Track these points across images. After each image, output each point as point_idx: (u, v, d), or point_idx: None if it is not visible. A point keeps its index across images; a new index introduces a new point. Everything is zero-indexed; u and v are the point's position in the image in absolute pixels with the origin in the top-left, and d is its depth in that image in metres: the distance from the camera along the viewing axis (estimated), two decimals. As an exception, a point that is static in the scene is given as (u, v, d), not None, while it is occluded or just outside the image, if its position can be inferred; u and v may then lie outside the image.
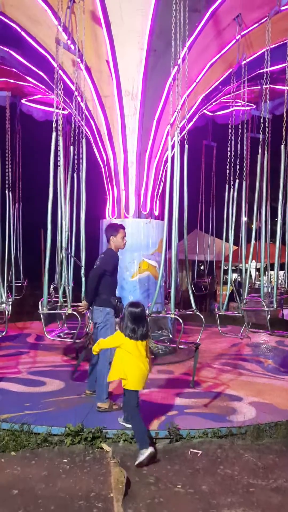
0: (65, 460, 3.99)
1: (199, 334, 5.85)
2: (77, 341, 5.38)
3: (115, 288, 5.46)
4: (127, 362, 4.20)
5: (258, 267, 11.99)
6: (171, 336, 7.25)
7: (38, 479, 3.64)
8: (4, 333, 6.04)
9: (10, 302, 8.41)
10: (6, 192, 9.23)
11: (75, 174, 6.55)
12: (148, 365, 4.29)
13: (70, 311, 5.14)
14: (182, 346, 5.86)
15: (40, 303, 5.13)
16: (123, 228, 5.57)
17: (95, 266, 5.41)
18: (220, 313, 6.48)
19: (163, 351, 7.77)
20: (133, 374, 4.20)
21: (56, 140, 5.39)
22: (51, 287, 7.33)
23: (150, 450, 3.95)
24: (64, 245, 5.26)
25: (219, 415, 4.98)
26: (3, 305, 5.97)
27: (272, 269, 9.75)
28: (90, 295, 5.26)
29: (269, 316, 6.11)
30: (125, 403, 4.43)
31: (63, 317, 7.12)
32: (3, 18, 6.56)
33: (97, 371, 5.22)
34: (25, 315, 11.60)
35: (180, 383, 6.27)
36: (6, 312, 6.04)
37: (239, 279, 11.18)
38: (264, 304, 6.08)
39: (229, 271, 7.29)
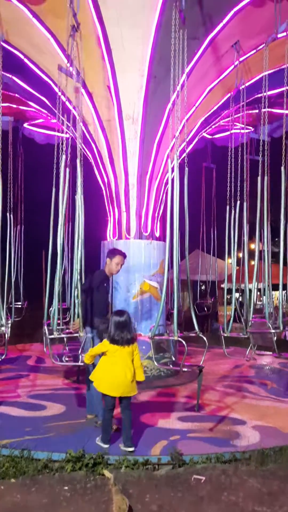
0: (66, 487, 3.91)
1: (202, 356, 5.81)
2: (81, 364, 5.33)
3: (102, 306, 5.46)
4: (105, 367, 4.57)
5: (258, 287, 11.98)
6: (174, 358, 7.19)
7: (39, 507, 3.57)
8: (3, 356, 6.00)
9: (10, 324, 8.36)
10: (8, 214, 9.29)
11: (77, 196, 6.60)
12: (132, 374, 4.56)
13: (82, 334, 5.11)
14: (185, 369, 5.81)
15: (46, 326, 5.10)
16: (122, 255, 5.70)
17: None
18: (225, 335, 6.43)
19: (165, 373, 7.70)
20: (107, 379, 4.54)
21: (58, 163, 5.46)
22: (51, 309, 7.30)
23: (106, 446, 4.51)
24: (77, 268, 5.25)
25: (223, 440, 4.91)
26: (3, 328, 5.94)
27: (273, 289, 9.74)
28: (83, 313, 5.31)
29: (275, 337, 6.07)
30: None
31: (65, 339, 7.07)
32: (7, 46, 6.72)
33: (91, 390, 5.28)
34: (25, 337, 11.53)
35: (183, 406, 6.19)
36: (6, 335, 6.00)
37: (240, 299, 11.15)
38: (270, 326, 6.04)
39: (233, 291, 7.28)
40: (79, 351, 5.43)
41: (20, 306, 10.29)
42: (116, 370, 4.53)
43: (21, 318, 10.17)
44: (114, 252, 5.71)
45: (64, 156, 5.37)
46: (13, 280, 9.55)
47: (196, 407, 5.69)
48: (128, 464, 4.28)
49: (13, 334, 9.64)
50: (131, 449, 4.54)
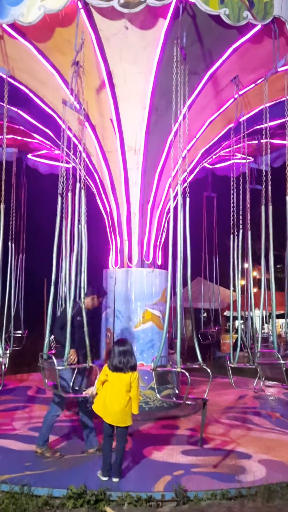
0: (68, 526, 3.80)
1: (206, 387, 5.71)
2: (83, 396, 5.26)
3: (77, 340, 5.41)
4: (103, 393, 4.72)
5: (262, 315, 11.90)
6: (177, 390, 7.07)
7: None
8: (0, 387, 5.89)
9: (8, 354, 8.26)
10: (9, 243, 9.34)
11: (80, 225, 6.65)
12: (126, 404, 4.67)
13: (90, 364, 5.05)
14: (189, 402, 5.71)
15: (54, 358, 5.05)
16: (101, 297, 5.94)
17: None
18: (232, 365, 6.34)
19: (167, 404, 7.57)
20: (103, 405, 4.70)
21: (62, 194, 5.52)
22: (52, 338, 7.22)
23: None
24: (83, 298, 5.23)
25: (228, 475, 4.79)
26: (0, 359, 5.87)
27: (277, 317, 9.65)
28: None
29: (284, 368, 5.98)
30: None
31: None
32: (12, 81, 6.91)
33: (45, 418, 5.45)
34: (26, 366, 11.39)
35: (186, 439, 6.07)
36: (3, 366, 5.91)
37: (243, 327, 11.05)
38: (279, 356, 5.96)
39: (238, 319, 7.21)
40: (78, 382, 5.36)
41: (20, 335, 10.21)
42: (111, 397, 4.68)
43: (21, 347, 10.07)
44: (94, 289, 5.81)
45: (66, 186, 5.44)
46: (13, 308, 9.52)
47: (200, 442, 5.57)
48: (131, 500, 4.17)
49: (13, 363, 9.53)
50: (116, 479, 4.62)
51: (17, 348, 9.68)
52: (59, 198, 5.49)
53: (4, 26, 5.97)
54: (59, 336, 5.61)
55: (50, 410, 5.50)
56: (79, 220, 5.50)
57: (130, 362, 4.74)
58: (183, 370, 5.23)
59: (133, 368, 4.76)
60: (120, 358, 4.72)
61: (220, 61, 6.56)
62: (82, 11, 5.68)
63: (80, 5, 5.58)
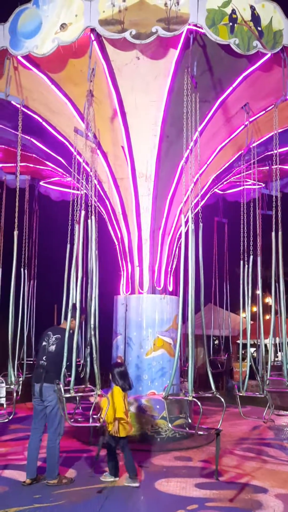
0: None
1: (219, 417, 5.55)
2: (103, 425, 5.15)
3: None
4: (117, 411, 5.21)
5: (274, 342, 11.67)
6: (189, 420, 6.88)
7: None
8: (12, 415, 5.77)
9: (21, 382, 8.15)
10: (22, 269, 9.36)
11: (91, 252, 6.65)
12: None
13: (99, 392, 4.94)
14: (201, 432, 5.54)
15: (60, 385, 4.95)
16: (84, 313, 5.81)
17: (54, 345, 5.42)
18: (241, 394, 6.18)
19: (180, 434, 7.36)
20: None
21: (73, 220, 5.54)
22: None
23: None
24: (92, 324, 5.18)
25: (244, 510, 4.58)
26: (12, 386, 5.76)
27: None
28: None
29: None
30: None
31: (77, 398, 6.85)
32: (26, 110, 7.06)
33: (48, 449, 5.31)
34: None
35: (200, 471, 5.86)
36: (15, 393, 5.79)
37: (254, 355, 10.84)
38: None
39: (248, 347, 7.08)
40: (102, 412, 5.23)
41: (32, 362, 10.10)
42: (123, 414, 5.26)
43: (36, 372, 9.92)
44: (82, 312, 5.75)
45: (78, 212, 5.47)
46: (25, 335, 9.46)
47: (215, 475, 5.38)
48: (143, 536, 3.99)
49: (24, 391, 9.39)
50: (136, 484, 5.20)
51: (29, 376, 9.54)
52: (76, 226, 5.47)
53: (19, 57, 6.15)
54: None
55: (56, 439, 5.31)
56: (91, 247, 5.52)
57: (130, 382, 5.54)
58: (195, 399, 5.10)
59: (129, 388, 5.51)
60: (123, 380, 5.43)
61: (231, 89, 6.67)
62: (94, 42, 5.83)
63: (93, 37, 5.74)
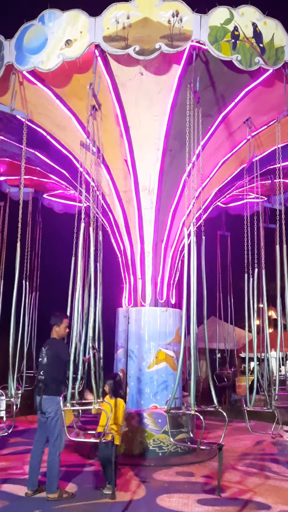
0: None
1: (222, 431, 5.50)
2: (104, 440, 5.11)
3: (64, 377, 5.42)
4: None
5: (279, 356, 11.57)
6: (191, 434, 6.81)
7: None
8: (11, 428, 5.72)
9: (20, 394, 8.09)
10: (24, 281, 9.37)
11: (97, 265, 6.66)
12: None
13: (97, 407, 4.91)
14: (203, 447, 5.48)
15: (61, 398, 4.93)
16: (67, 318, 5.90)
17: (46, 358, 5.55)
18: (248, 408, 6.11)
19: (182, 449, 7.29)
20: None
21: (77, 232, 5.55)
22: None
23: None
24: (90, 335, 5.19)
25: (247, 527, 4.52)
26: (12, 399, 5.73)
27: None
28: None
29: None
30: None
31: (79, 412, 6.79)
32: (31, 124, 7.14)
33: (48, 463, 5.28)
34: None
35: (202, 487, 5.79)
36: (14, 406, 5.77)
37: (259, 369, 10.74)
38: None
39: (254, 360, 7.01)
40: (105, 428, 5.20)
41: (32, 374, 10.06)
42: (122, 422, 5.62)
43: (33, 387, 9.88)
44: (60, 317, 5.79)
45: (83, 225, 5.49)
46: (26, 347, 9.43)
47: (217, 491, 5.31)
48: None
49: (24, 404, 9.32)
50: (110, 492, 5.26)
51: (29, 388, 9.50)
52: (81, 237, 5.47)
53: (24, 73, 6.24)
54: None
55: (55, 451, 5.30)
56: (95, 260, 5.53)
57: (121, 392, 5.83)
58: (197, 413, 5.06)
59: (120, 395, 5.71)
60: (120, 389, 5.75)
61: (233, 104, 6.74)
62: (99, 58, 5.92)
63: (97, 53, 5.83)
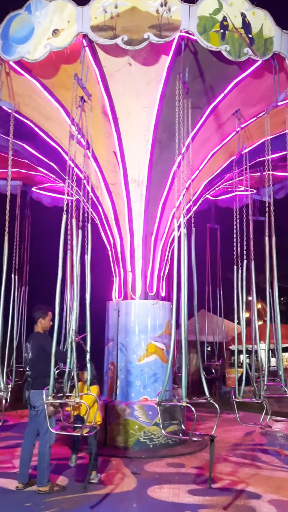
0: None
1: (212, 423, 5.53)
2: (85, 434, 5.11)
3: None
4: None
5: (268, 348, 11.66)
6: (183, 426, 6.83)
7: None
8: (0, 423, 5.68)
9: (10, 388, 8.03)
10: (12, 275, 9.28)
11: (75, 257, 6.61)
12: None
13: (78, 400, 4.89)
14: (195, 439, 5.50)
15: (44, 391, 4.90)
16: (50, 311, 5.86)
17: (30, 352, 5.57)
18: (237, 400, 6.14)
19: (172, 441, 7.32)
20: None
21: (66, 226, 5.50)
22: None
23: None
24: (73, 328, 5.16)
25: (237, 517, 4.56)
26: (1, 393, 5.69)
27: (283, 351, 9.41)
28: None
29: None
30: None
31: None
32: (18, 116, 7.04)
33: (38, 456, 5.27)
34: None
35: (193, 478, 5.83)
36: (3, 401, 5.75)
37: (248, 361, 10.78)
38: (286, 390, 5.78)
39: (243, 352, 7.02)
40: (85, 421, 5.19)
41: (22, 369, 9.98)
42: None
43: (22, 382, 9.81)
44: (44, 310, 5.81)
45: (70, 218, 5.44)
46: (15, 341, 9.35)
47: (209, 482, 5.34)
48: None
49: (14, 398, 9.27)
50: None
51: (19, 383, 9.44)
52: (63, 231, 5.42)
53: (11, 63, 6.14)
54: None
55: (45, 444, 5.31)
56: (83, 253, 5.48)
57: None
58: (189, 405, 5.07)
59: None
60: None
61: (222, 95, 6.71)
62: (87, 48, 5.84)
63: (85, 43, 5.75)
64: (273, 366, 12.00)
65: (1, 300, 5.55)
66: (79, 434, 5.14)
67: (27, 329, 10.39)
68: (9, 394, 7.41)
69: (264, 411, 6.55)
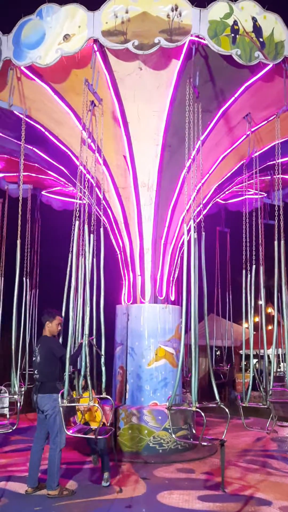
0: None
1: (222, 428, 5.52)
2: (99, 437, 5.10)
3: (59, 373, 5.45)
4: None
5: (277, 353, 11.57)
6: (193, 431, 6.79)
7: None
8: (15, 426, 5.71)
9: (23, 392, 8.07)
10: (24, 278, 9.32)
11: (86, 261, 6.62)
12: None
13: (92, 404, 4.89)
14: (205, 443, 5.47)
15: (60, 394, 4.91)
16: (60, 315, 5.86)
17: (38, 356, 5.55)
18: (244, 404, 6.10)
19: (182, 446, 7.28)
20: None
21: (78, 229, 5.51)
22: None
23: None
24: (86, 332, 5.17)
25: (248, 524, 4.51)
26: (15, 396, 5.71)
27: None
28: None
29: None
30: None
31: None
32: (29, 120, 7.09)
33: (48, 460, 5.26)
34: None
35: (203, 483, 5.79)
36: (18, 404, 5.75)
37: (257, 366, 10.71)
38: None
39: (251, 357, 6.99)
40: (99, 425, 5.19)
41: (33, 372, 9.99)
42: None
43: (32, 385, 9.83)
44: (52, 314, 5.78)
45: (82, 223, 5.45)
46: (27, 344, 9.39)
47: (222, 487, 5.30)
48: None
49: (25, 402, 9.29)
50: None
51: (31, 386, 9.45)
52: (73, 235, 5.43)
53: (22, 68, 6.19)
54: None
55: (55, 448, 5.30)
56: (96, 256, 5.50)
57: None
58: (198, 409, 5.05)
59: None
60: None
61: (232, 99, 6.69)
62: (97, 53, 5.87)
63: (95, 48, 5.78)
64: (280, 371, 11.88)
65: (14, 303, 5.59)
66: (93, 436, 5.13)
67: (38, 332, 10.44)
68: (22, 398, 7.46)
69: (270, 416, 6.50)
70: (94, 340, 5.54)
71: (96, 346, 5.49)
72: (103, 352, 5.48)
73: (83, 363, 4.99)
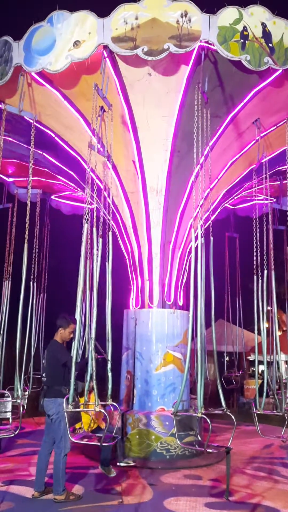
0: None
1: (229, 434, 5.45)
2: (104, 444, 5.09)
3: (66, 377, 5.39)
4: None
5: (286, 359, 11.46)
6: (199, 438, 6.74)
7: None
8: (18, 430, 5.70)
9: (26, 396, 8.08)
10: (31, 283, 9.37)
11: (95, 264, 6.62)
12: None
13: (97, 409, 4.88)
14: (210, 450, 5.43)
15: (65, 400, 4.91)
16: (75, 323, 5.71)
17: (47, 359, 5.60)
18: (258, 412, 6.02)
19: (189, 452, 7.23)
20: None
21: (87, 234, 5.52)
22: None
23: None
24: (93, 336, 5.16)
25: (255, 532, 4.46)
26: (19, 400, 5.71)
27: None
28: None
29: None
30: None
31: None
32: (39, 126, 7.15)
33: (54, 464, 5.26)
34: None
35: (210, 490, 5.74)
36: (21, 408, 5.76)
37: (269, 372, 10.58)
38: None
39: (264, 363, 6.91)
40: (104, 431, 5.16)
41: (39, 376, 10.04)
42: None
43: (40, 389, 9.87)
44: (67, 320, 5.77)
45: (90, 227, 5.46)
46: (33, 348, 9.42)
47: (226, 495, 5.25)
48: None
49: (31, 406, 9.31)
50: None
51: (36, 390, 9.50)
52: (83, 240, 5.44)
53: (33, 74, 6.25)
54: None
55: (60, 452, 5.30)
56: (103, 261, 5.49)
57: None
58: (204, 416, 5.01)
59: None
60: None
61: (242, 104, 6.69)
62: (107, 59, 5.92)
63: (105, 54, 5.82)
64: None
65: (20, 307, 5.61)
66: (98, 443, 5.11)
67: (45, 336, 10.47)
68: (26, 401, 7.47)
69: (286, 424, 6.41)
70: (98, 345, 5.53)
71: (103, 351, 5.48)
72: (109, 358, 5.46)
73: (89, 369, 4.97)
